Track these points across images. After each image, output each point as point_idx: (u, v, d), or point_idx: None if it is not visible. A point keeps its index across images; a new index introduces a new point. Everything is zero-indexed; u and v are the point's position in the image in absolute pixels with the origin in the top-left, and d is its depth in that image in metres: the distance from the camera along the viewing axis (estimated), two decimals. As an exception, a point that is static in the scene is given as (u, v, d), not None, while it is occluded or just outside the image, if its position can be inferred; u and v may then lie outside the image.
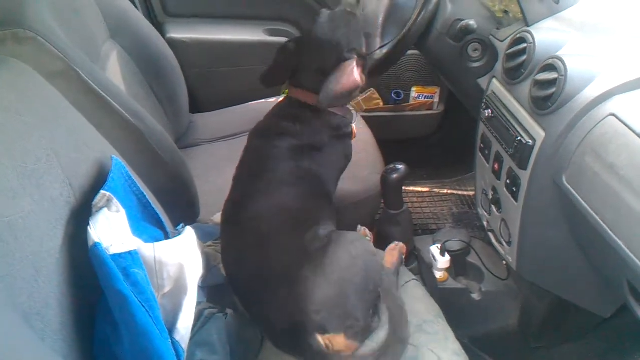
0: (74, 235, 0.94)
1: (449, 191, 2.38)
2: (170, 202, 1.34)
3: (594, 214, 1.02)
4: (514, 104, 1.29)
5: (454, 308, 1.35)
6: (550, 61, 1.16)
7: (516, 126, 1.25)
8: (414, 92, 2.44)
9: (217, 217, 1.66)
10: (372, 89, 2.44)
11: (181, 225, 1.30)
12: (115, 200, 0.98)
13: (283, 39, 2.30)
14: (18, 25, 1.20)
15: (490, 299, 1.64)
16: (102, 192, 0.97)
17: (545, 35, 1.27)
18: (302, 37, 1.50)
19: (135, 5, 2.13)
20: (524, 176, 1.23)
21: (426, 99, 2.43)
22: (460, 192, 2.36)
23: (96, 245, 0.90)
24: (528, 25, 1.34)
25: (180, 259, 1.09)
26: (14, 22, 1.21)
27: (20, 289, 0.77)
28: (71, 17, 1.45)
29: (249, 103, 2.28)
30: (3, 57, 1.01)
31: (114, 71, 1.65)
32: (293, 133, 1.31)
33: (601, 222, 1.00)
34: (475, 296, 1.64)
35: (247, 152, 1.39)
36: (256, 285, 1.17)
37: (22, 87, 0.98)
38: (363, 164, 1.84)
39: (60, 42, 1.25)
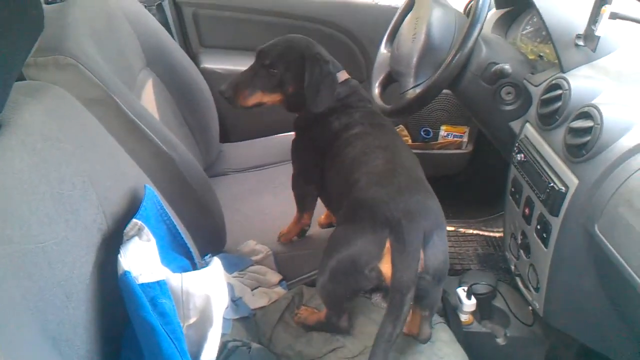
0: (105, 262, 0.94)
1: (474, 231, 2.35)
2: (197, 230, 1.35)
3: (625, 264, 1.00)
4: (547, 149, 1.28)
5: (479, 352, 1.34)
6: (585, 109, 1.15)
7: (549, 172, 1.24)
8: (443, 130, 2.44)
9: (244, 246, 1.67)
10: (401, 125, 2.45)
11: (208, 255, 1.31)
12: (146, 229, 0.99)
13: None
14: (59, 51, 1.24)
15: (515, 345, 1.61)
16: (134, 220, 0.98)
17: (581, 82, 1.26)
18: None
19: (172, 35, 2.17)
20: (555, 223, 1.22)
21: (455, 138, 2.43)
22: (486, 233, 2.33)
23: (126, 273, 0.91)
24: (563, 72, 1.34)
25: (207, 290, 1.09)
26: (55, 49, 1.24)
27: (51, 315, 0.78)
28: (110, 45, 1.48)
29: (277, 135, 2.30)
30: (45, 84, 1.03)
31: (148, 99, 1.68)
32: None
33: (633, 274, 0.98)
34: (500, 341, 1.61)
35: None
36: None
37: (63, 114, 1.00)
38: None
39: (100, 70, 1.28)
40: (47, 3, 1.37)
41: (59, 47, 1.25)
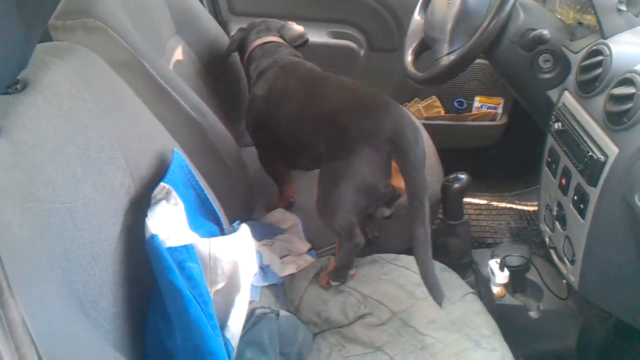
0: (132, 225, 0.94)
1: (507, 205, 2.32)
2: (226, 198, 1.35)
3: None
4: (586, 118, 1.24)
5: (510, 325, 1.31)
6: (627, 75, 1.11)
7: (587, 141, 1.20)
8: (477, 101, 2.39)
9: (272, 215, 1.67)
10: (433, 96, 2.41)
11: (237, 222, 1.30)
12: (174, 193, 0.99)
13: (346, 42, 2.30)
14: (88, 15, 1.24)
15: (548, 318, 1.58)
16: (161, 184, 0.98)
17: (623, 48, 1.22)
18: None
19: (202, 2, 2.15)
20: (593, 193, 1.18)
21: (489, 110, 2.38)
22: (519, 207, 2.30)
23: (153, 237, 0.91)
24: (604, 38, 1.29)
25: (235, 256, 1.09)
26: (84, 12, 1.24)
27: (77, 276, 0.78)
28: (139, 9, 1.48)
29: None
30: (73, 45, 1.02)
31: (178, 66, 1.67)
32: None
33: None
34: (533, 314, 1.59)
35: None
36: None
37: (90, 75, 0.99)
38: (423, 171, 1.82)
39: (128, 34, 1.27)
40: None
41: (88, 10, 1.24)
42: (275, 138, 1.60)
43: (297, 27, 1.87)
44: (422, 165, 1.28)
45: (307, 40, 1.87)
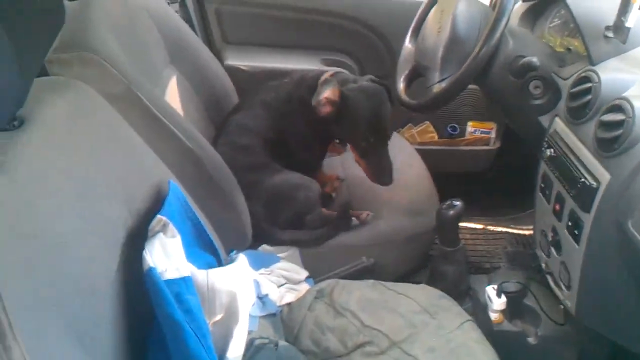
0: (130, 258, 0.95)
1: (503, 229, 2.32)
2: (223, 227, 1.36)
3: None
4: (577, 144, 1.26)
5: (509, 351, 1.31)
6: (617, 102, 1.12)
7: (580, 167, 1.22)
8: (470, 126, 2.41)
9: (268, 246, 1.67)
10: (427, 122, 2.43)
11: (234, 252, 1.30)
12: (171, 225, 0.99)
13: (339, 70, 2.32)
14: (83, 47, 1.25)
15: (547, 344, 1.58)
16: (158, 216, 0.99)
17: (611, 75, 1.23)
18: None
19: (195, 31, 2.17)
20: (587, 219, 1.19)
21: (483, 134, 2.40)
22: (514, 231, 2.30)
23: (151, 270, 0.91)
24: (592, 64, 1.31)
25: (233, 286, 1.09)
26: (79, 45, 1.25)
27: (74, 310, 0.78)
28: (133, 41, 1.49)
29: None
30: (68, 80, 1.04)
31: (173, 96, 1.68)
32: None
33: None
34: (531, 340, 1.58)
35: None
36: None
37: (86, 110, 1.01)
38: (417, 197, 1.83)
39: (123, 66, 1.28)
40: None
41: (83, 43, 1.25)
42: None
43: None
44: None
45: None
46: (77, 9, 1.35)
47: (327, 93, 1.59)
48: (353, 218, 1.72)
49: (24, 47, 0.77)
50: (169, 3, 1.96)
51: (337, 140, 1.83)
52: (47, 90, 0.95)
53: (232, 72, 2.17)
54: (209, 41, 2.34)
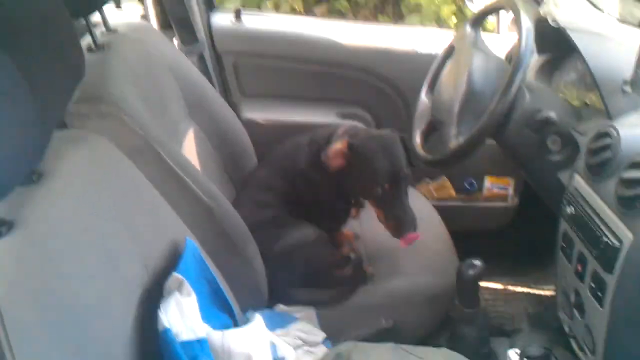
0: (145, 317, 0.94)
1: (524, 289, 2.25)
2: (239, 284, 1.34)
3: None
4: (598, 202, 1.21)
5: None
6: (638, 158, 1.10)
7: (601, 226, 1.17)
8: (488, 182, 2.37)
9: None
10: (443, 176, 2.40)
11: (250, 311, 1.28)
12: (186, 284, 0.99)
13: (355, 123, 2.31)
14: (102, 100, 1.25)
15: (571, 411, 1.50)
16: (174, 275, 0.99)
17: (631, 130, 1.21)
18: None
19: (213, 85, 2.19)
20: (610, 280, 1.14)
21: (500, 190, 2.36)
22: (536, 291, 2.23)
23: (166, 331, 0.91)
24: (610, 119, 1.28)
25: (248, 348, 1.08)
26: (98, 98, 1.25)
27: None
28: (152, 94, 1.49)
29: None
30: (87, 133, 1.04)
31: (190, 150, 1.68)
32: None
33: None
34: (556, 406, 1.51)
35: None
36: None
37: (104, 164, 1.01)
38: (436, 255, 1.78)
39: (141, 119, 1.29)
40: (89, 51, 1.39)
41: (101, 96, 1.26)
42: None
43: None
44: None
45: None
46: (97, 60, 1.36)
47: (335, 146, 1.57)
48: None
49: (45, 99, 0.77)
50: (187, 56, 1.98)
51: (354, 200, 1.81)
52: (66, 143, 0.95)
53: (250, 125, 2.17)
54: (226, 94, 2.35)
